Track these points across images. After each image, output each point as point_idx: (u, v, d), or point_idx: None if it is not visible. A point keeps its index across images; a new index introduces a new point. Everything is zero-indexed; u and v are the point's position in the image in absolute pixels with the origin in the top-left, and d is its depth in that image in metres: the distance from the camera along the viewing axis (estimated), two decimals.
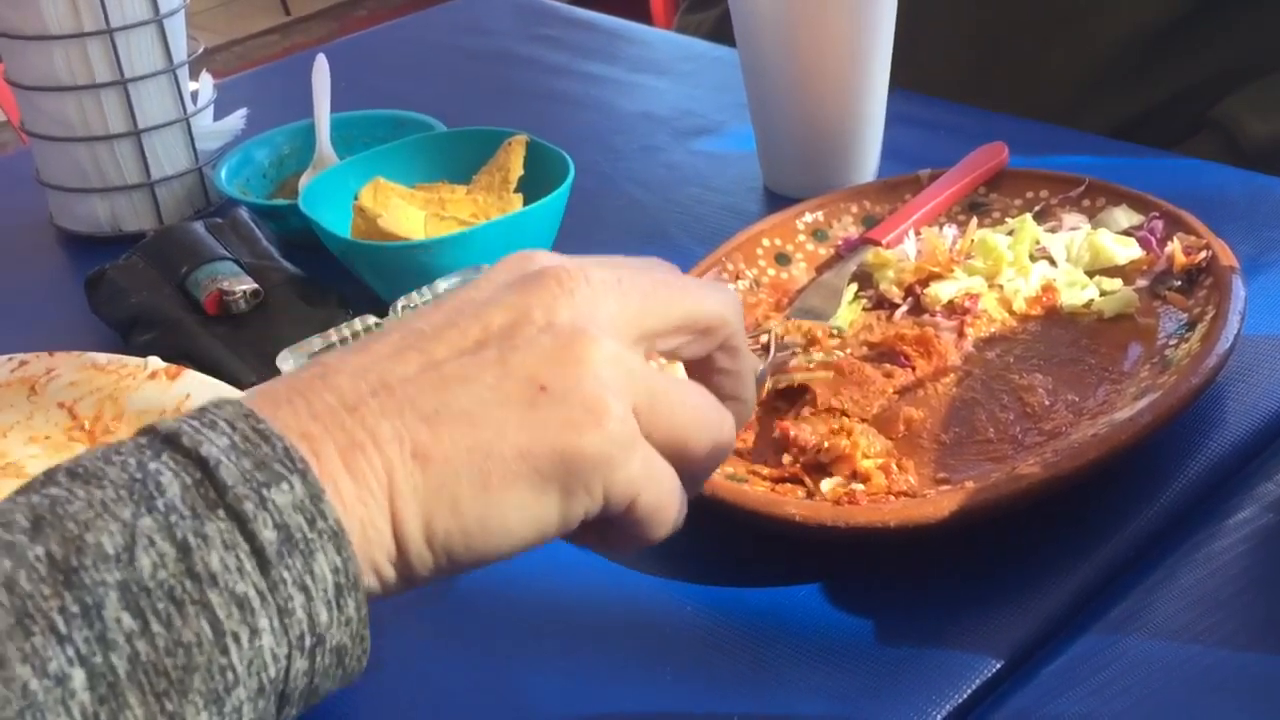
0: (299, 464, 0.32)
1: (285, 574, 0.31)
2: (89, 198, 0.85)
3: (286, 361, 0.62)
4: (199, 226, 0.77)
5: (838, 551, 0.53)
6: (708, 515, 0.48)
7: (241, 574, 0.30)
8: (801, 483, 0.55)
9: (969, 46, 1.01)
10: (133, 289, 0.73)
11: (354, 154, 0.82)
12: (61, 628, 0.28)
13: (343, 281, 0.74)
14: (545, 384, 0.35)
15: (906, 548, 0.52)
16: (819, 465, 0.56)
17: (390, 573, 0.34)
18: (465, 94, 1.04)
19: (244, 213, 0.79)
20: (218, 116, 0.90)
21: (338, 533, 0.32)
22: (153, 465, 0.31)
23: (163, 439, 0.32)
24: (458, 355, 0.36)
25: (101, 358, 0.65)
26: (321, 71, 0.89)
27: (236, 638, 0.30)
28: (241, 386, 0.64)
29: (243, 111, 0.91)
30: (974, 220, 0.72)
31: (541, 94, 1.03)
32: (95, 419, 0.63)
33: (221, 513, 0.31)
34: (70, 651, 0.28)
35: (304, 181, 0.83)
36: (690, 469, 0.39)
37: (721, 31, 1.05)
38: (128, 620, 0.29)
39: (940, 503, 0.50)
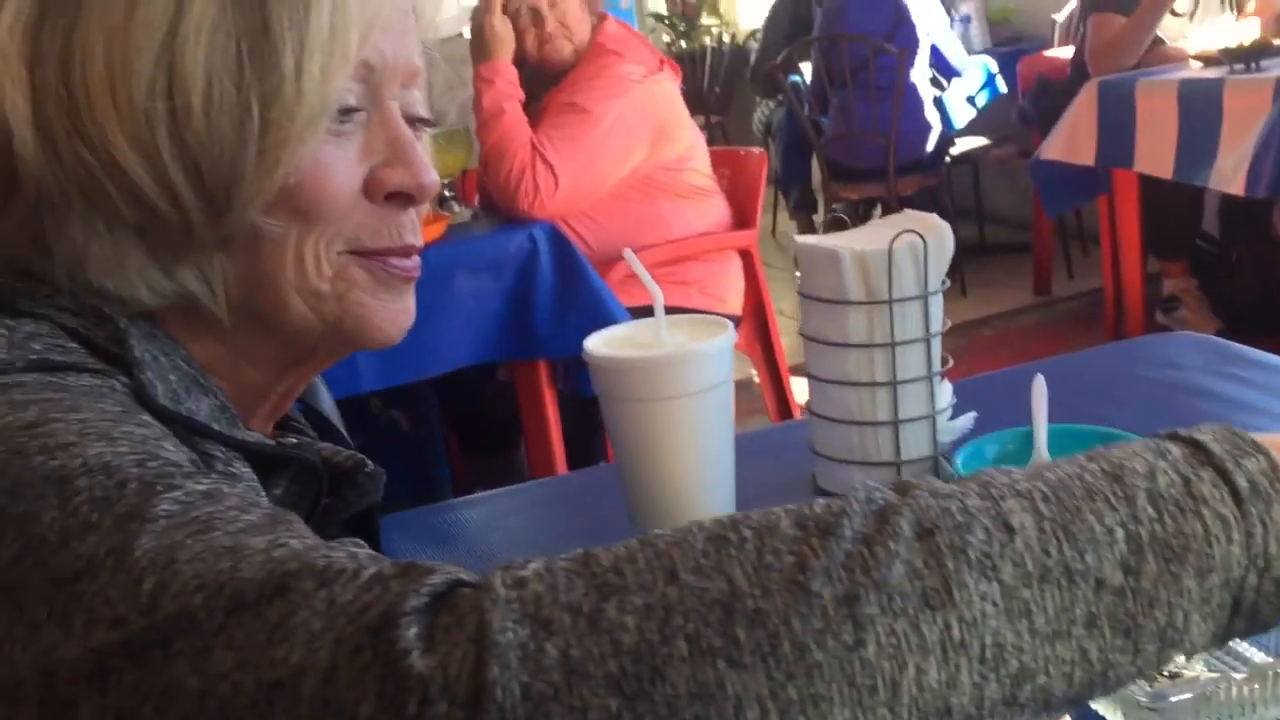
0: (1260, 449, 0.50)
1: (1253, 509, 0.48)
2: (849, 468, 1.08)
3: None
4: None
5: None
6: None
7: (1222, 502, 0.48)
8: None
9: None
10: None
11: None
12: (1112, 504, 0.48)
13: None
14: None
15: None
16: None
17: None
18: (1158, 419, 1.16)
19: None
20: (950, 416, 1.11)
21: None
22: (1163, 443, 0.51)
23: (1165, 435, 0.52)
24: None
25: None
26: (1040, 389, 1.07)
27: (1217, 539, 0.47)
28: None
29: (972, 414, 1.11)
30: None
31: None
32: None
33: (1209, 468, 0.49)
34: (1113, 519, 0.48)
35: None
36: None
37: None
38: (1150, 511, 0.48)
39: None
